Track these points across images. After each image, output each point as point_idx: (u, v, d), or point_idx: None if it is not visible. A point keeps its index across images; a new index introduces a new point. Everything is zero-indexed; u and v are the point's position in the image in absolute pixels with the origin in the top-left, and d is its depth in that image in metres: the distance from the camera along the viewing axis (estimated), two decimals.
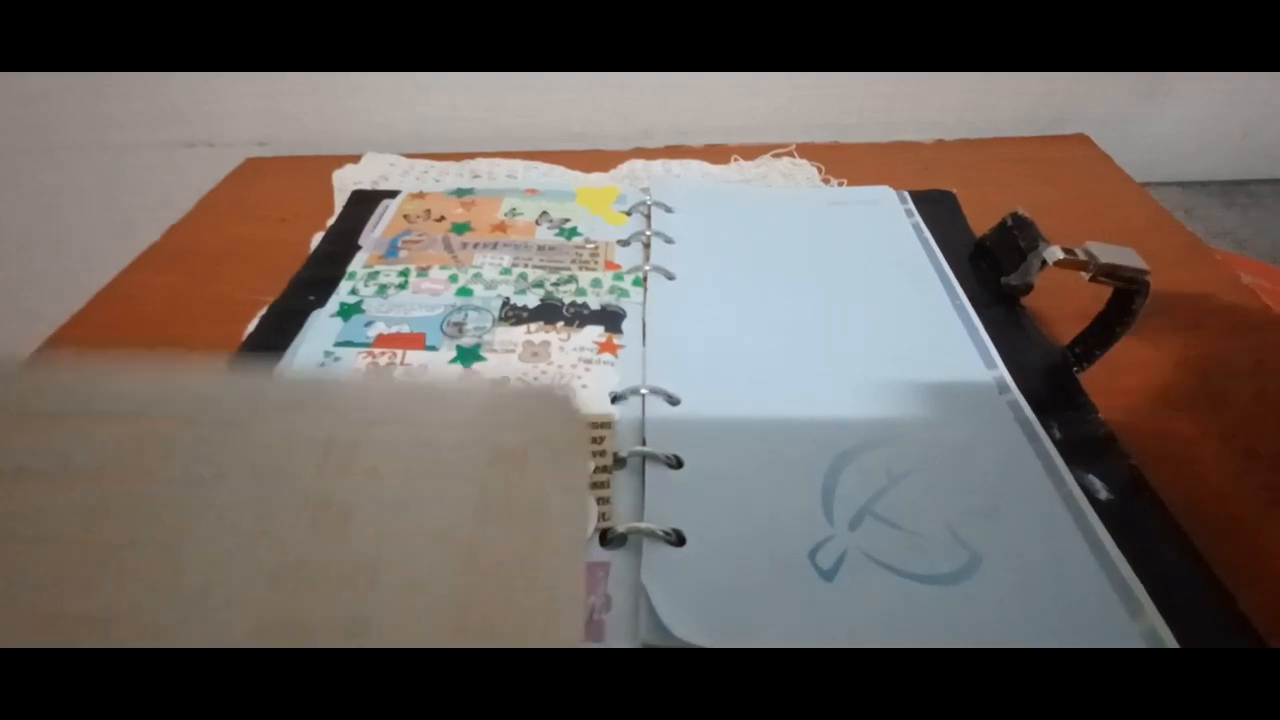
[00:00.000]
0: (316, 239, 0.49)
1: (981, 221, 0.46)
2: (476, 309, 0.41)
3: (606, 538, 0.29)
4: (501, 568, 0.13)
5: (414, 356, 0.38)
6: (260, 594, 0.12)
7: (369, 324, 0.40)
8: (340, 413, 0.14)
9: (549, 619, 0.13)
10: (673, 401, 0.34)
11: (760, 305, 0.41)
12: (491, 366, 0.37)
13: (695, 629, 0.25)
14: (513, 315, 0.41)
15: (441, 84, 0.62)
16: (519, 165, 0.58)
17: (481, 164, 0.58)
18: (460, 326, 0.40)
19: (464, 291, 0.43)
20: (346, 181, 0.56)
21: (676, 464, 0.31)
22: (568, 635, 0.13)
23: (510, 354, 0.38)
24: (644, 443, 0.32)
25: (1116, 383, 0.36)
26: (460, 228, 0.49)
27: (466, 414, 0.14)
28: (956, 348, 0.38)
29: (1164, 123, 0.65)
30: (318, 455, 0.13)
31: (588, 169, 0.57)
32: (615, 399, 0.35)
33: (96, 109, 0.64)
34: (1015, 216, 0.43)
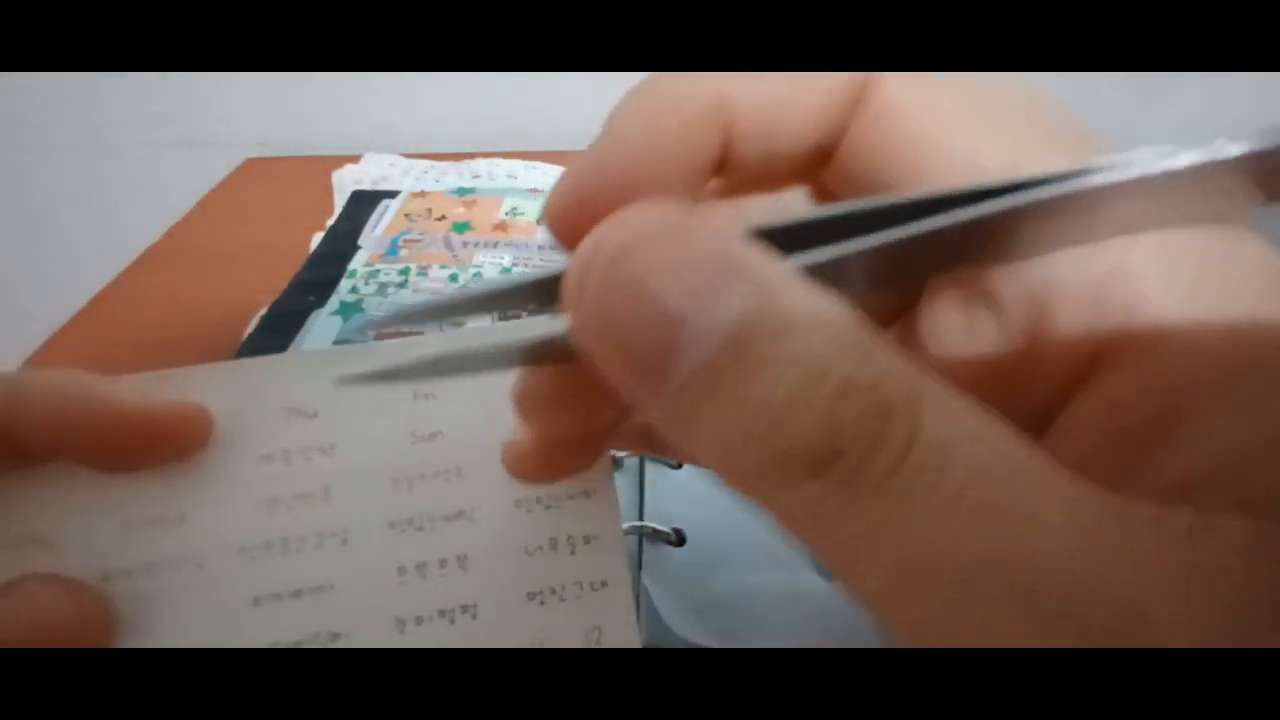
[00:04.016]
0: (316, 239, 0.49)
1: None
2: None
3: None
4: None
5: None
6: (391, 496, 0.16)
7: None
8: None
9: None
10: None
11: None
12: None
13: (696, 628, 0.25)
14: (513, 315, 0.41)
15: (441, 84, 0.62)
16: (519, 165, 0.58)
17: (481, 164, 0.58)
18: (460, 325, 0.40)
19: None
20: (346, 181, 0.56)
21: (676, 464, 0.31)
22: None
23: None
24: None
25: None
26: (461, 227, 0.49)
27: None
28: None
29: (1163, 123, 0.65)
30: (409, 396, 0.17)
31: None
32: None
33: (96, 109, 0.64)
34: None
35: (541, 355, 0.13)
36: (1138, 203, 0.11)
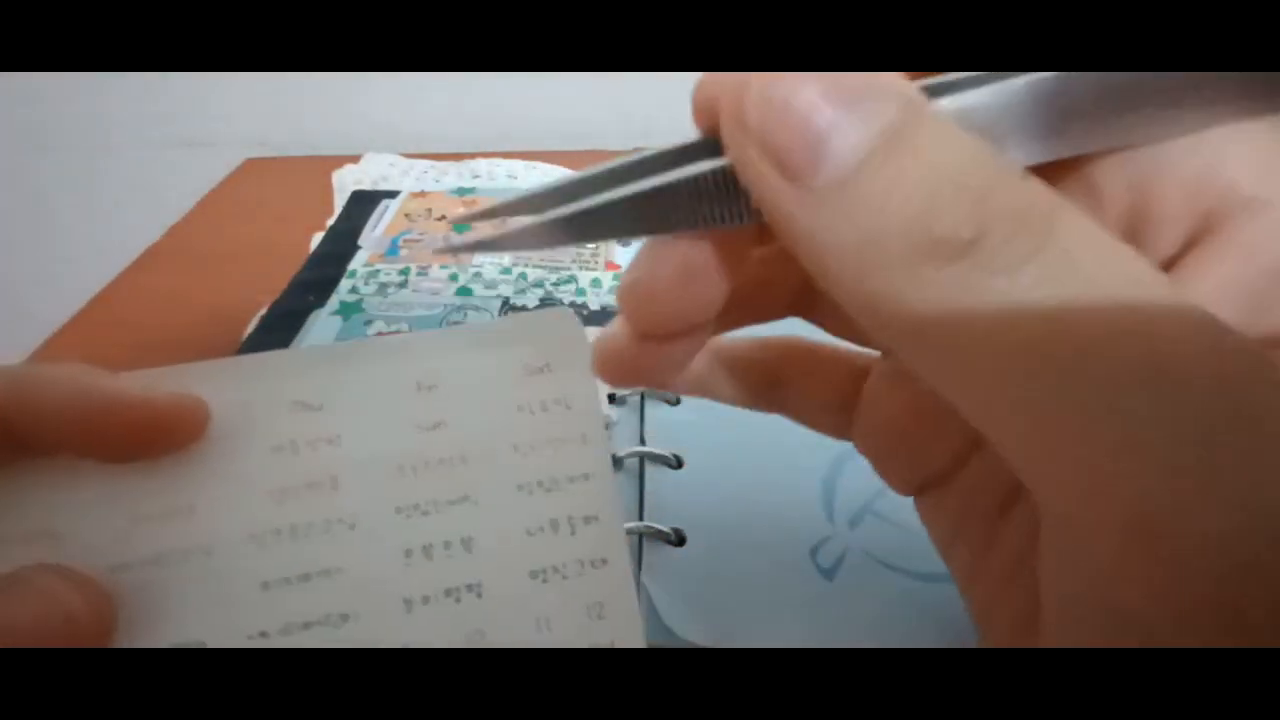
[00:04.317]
0: (316, 239, 0.49)
1: None
2: (476, 308, 0.41)
3: None
4: (542, 448, 0.17)
5: None
6: (397, 483, 0.16)
7: (368, 322, 0.40)
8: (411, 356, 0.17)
9: (581, 456, 0.17)
10: (672, 401, 0.34)
11: None
12: None
13: (696, 628, 0.25)
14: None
15: (441, 84, 0.62)
16: (519, 165, 0.58)
17: (481, 164, 0.58)
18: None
19: (464, 291, 0.43)
20: (346, 181, 0.56)
21: (676, 464, 0.31)
22: (598, 466, 0.17)
23: None
24: (643, 442, 0.32)
25: None
26: (461, 227, 0.49)
27: (498, 341, 0.18)
28: None
29: None
30: (412, 388, 0.17)
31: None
32: (613, 399, 0.35)
33: (96, 109, 0.64)
34: None
35: (662, 203, 0.13)
36: (1203, 94, 0.12)
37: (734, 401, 0.20)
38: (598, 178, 0.14)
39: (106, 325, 0.44)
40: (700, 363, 0.19)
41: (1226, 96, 0.12)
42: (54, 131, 0.65)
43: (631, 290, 0.15)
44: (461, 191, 0.53)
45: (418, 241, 0.47)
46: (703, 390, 0.19)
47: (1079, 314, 0.10)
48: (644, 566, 0.27)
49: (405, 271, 0.44)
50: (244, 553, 0.15)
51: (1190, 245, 0.12)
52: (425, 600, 0.16)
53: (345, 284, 0.43)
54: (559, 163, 0.58)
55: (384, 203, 0.52)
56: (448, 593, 0.16)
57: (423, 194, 0.53)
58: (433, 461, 0.17)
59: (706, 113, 0.13)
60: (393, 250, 0.47)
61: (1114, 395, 0.09)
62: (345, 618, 0.15)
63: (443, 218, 0.50)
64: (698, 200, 0.13)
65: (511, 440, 0.17)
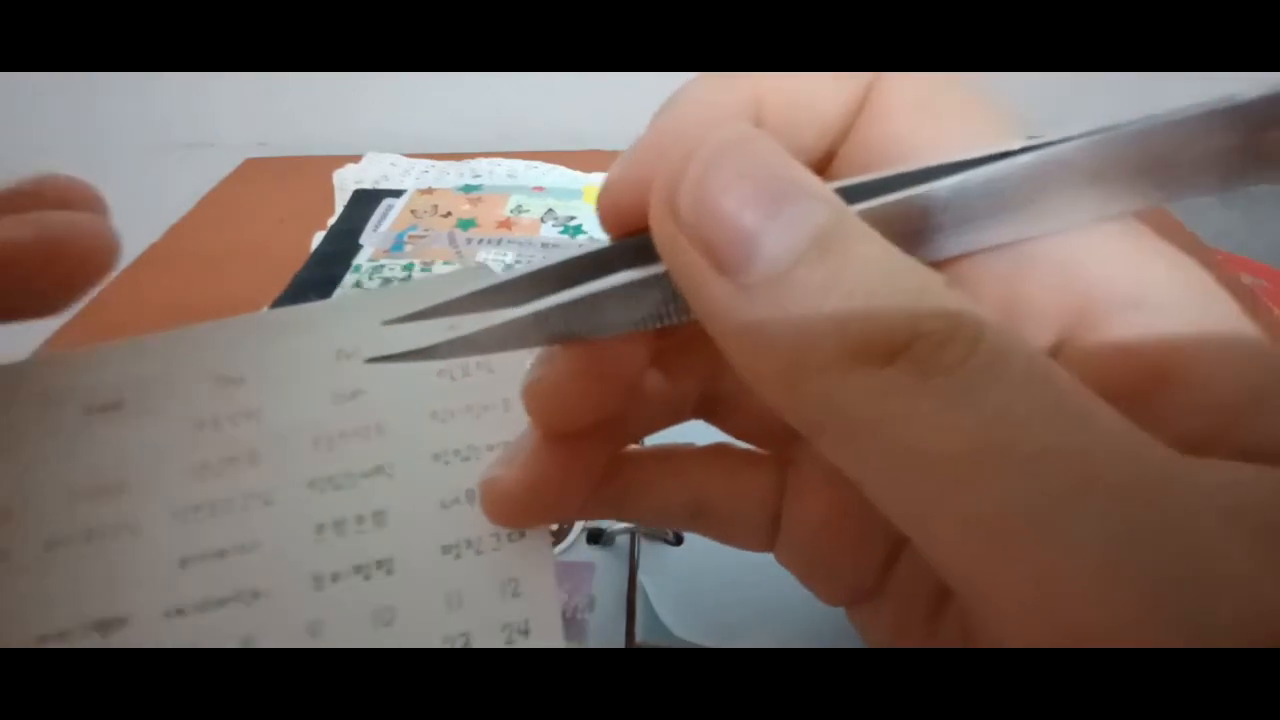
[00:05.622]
0: (317, 239, 0.49)
1: None
2: None
3: (597, 538, 0.29)
4: (461, 415, 0.17)
5: None
6: (312, 456, 0.16)
7: None
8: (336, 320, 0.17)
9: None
10: None
11: None
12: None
13: (693, 627, 0.25)
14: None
15: (441, 84, 0.62)
16: (519, 165, 0.58)
17: (482, 164, 0.58)
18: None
19: None
20: (347, 181, 0.56)
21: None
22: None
23: None
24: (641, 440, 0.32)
25: None
26: (466, 223, 0.49)
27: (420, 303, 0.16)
28: None
29: None
30: (332, 356, 0.17)
31: (588, 169, 0.57)
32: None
33: (96, 109, 0.64)
34: None
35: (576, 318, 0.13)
36: (1070, 190, 0.12)
37: (655, 523, 0.19)
38: (529, 280, 0.14)
39: (106, 326, 0.44)
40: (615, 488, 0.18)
41: (1082, 203, 0.12)
42: (54, 132, 0.65)
43: (535, 387, 0.15)
44: (468, 189, 0.53)
45: (422, 238, 0.48)
46: (620, 510, 0.18)
47: (1011, 425, 0.10)
48: (641, 565, 0.27)
49: (409, 267, 0.44)
50: (167, 530, 0.15)
51: (1064, 344, 0.12)
52: (335, 577, 0.15)
53: (350, 278, 0.44)
54: (559, 163, 0.58)
55: (386, 202, 0.52)
56: (357, 569, 0.15)
57: (429, 190, 0.53)
58: (348, 432, 0.16)
59: (614, 216, 0.14)
60: (397, 246, 0.47)
61: (1046, 509, 0.09)
62: (256, 595, 0.15)
63: (448, 214, 0.50)
64: (624, 307, 0.13)
65: (430, 407, 0.17)
